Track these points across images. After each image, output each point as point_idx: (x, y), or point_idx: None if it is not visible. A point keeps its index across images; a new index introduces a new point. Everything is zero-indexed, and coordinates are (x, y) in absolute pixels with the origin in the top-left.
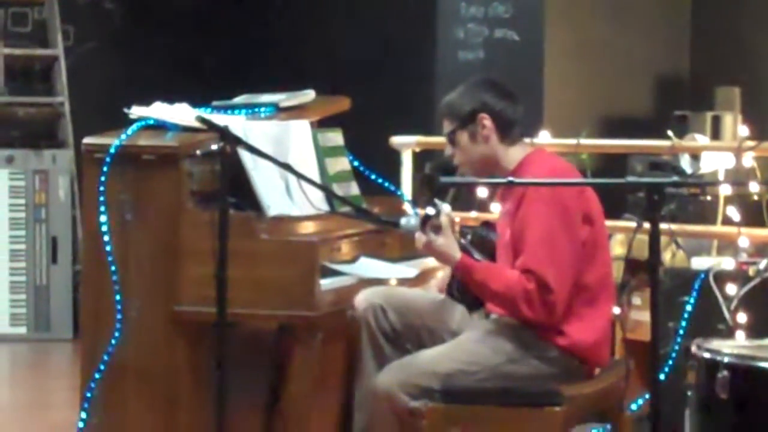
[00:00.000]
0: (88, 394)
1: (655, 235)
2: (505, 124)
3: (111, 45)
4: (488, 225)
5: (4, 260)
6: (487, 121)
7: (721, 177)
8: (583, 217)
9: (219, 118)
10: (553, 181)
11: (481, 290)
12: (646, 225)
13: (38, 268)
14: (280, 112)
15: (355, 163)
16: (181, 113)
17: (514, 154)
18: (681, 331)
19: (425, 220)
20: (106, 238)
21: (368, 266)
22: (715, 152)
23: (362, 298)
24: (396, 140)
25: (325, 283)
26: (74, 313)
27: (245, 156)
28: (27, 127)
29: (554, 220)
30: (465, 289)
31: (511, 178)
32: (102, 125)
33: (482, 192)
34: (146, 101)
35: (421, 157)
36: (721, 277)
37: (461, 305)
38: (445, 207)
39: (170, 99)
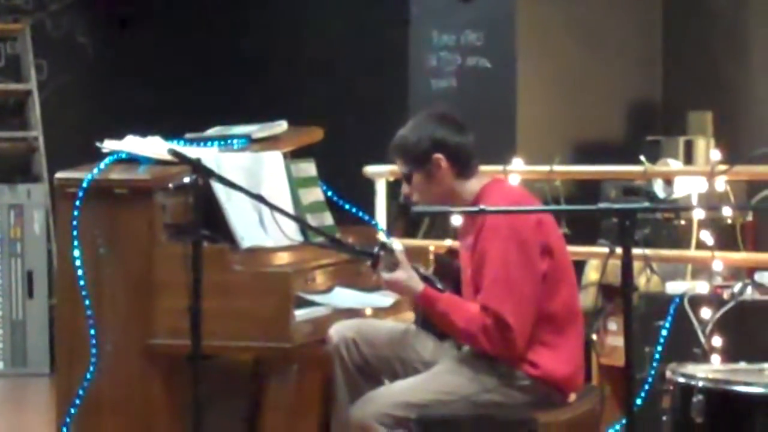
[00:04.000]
0: (65, 429)
1: (627, 261)
2: (460, 160)
3: (85, 79)
4: (452, 252)
5: None
6: (443, 162)
7: (694, 201)
8: (542, 248)
9: (192, 151)
10: (523, 209)
11: (442, 322)
12: (619, 250)
13: (14, 303)
14: (252, 143)
15: (329, 193)
16: (154, 146)
17: (471, 187)
18: (656, 356)
19: (376, 260)
20: (79, 272)
21: (343, 296)
22: (688, 177)
23: (334, 332)
24: (369, 170)
25: (300, 313)
26: (51, 347)
27: (218, 188)
28: (1, 162)
29: (511, 255)
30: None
31: (482, 206)
32: (76, 159)
33: (457, 220)
34: (120, 135)
35: (395, 186)
36: (696, 302)
37: (431, 335)
38: (397, 245)
39: (144, 132)
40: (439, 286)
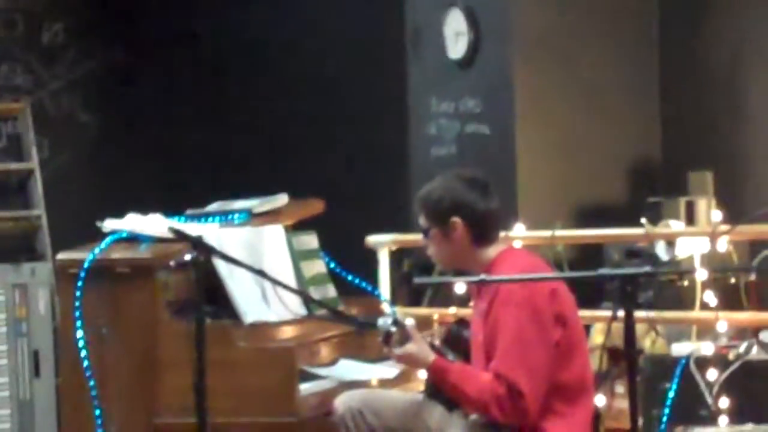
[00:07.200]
0: None
1: (630, 325)
2: (479, 229)
3: (87, 157)
4: (462, 322)
5: None
6: (460, 227)
7: (696, 262)
8: (556, 318)
9: (193, 227)
10: (526, 276)
11: (454, 392)
12: (622, 314)
13: (21, 383)
14: (253, 217)
15: (331, 265)
16: (155, 224)
17: (487, 253)
18: (664, 418)
19: (387, 336)
20: (83, 352)
21: (348, 368)
22: (690, 237)
23: (340, 402)
24: (372, 239)
25: (305, 387)
26: (59, 426)
27: (220, 264)
28: (5, 242)
29: (526, 324)
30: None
31: (483, 276)
32: (80, 237)
33: (460, 288)
34: (123, 212)
35: (398, 256)
36: (702, 363)
37: (440, 405)
38: (408, 321)
39: (145, 209)
40: (450, 357)
